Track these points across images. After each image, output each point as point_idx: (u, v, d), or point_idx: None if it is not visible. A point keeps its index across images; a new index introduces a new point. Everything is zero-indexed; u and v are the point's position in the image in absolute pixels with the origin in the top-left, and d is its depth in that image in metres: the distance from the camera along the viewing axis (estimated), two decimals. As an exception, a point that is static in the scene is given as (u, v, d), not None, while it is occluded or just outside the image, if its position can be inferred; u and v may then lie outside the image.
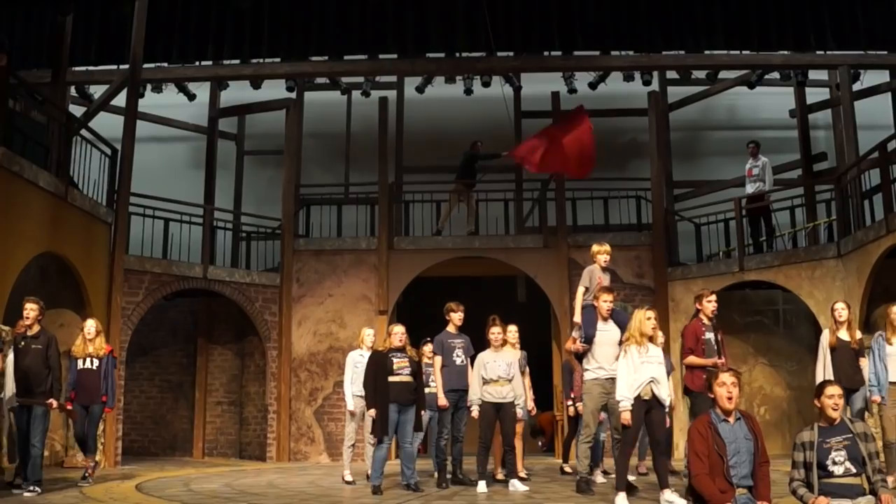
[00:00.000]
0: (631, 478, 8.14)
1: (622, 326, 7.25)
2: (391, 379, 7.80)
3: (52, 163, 10.34)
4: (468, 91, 15.25)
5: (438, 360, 8.51)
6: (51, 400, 7.76)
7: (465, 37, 12.92)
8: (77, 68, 13.19)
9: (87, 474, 8.57)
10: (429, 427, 8.94)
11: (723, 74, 15.06)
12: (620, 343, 7.06)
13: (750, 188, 13.11)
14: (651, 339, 6.87)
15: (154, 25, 12.44)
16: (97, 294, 11.03)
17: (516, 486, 8.02)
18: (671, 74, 15.29)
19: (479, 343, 8.48)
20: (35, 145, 10.06)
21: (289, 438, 12.99)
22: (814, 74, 14.49)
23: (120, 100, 12.33)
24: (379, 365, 7.89)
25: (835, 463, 4.95)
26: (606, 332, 7.47)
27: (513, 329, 9.02)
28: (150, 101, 14.56)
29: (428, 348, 8.80)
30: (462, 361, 8.49)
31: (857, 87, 13.92)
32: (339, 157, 15.51)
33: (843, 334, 8.19)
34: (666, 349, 8.96)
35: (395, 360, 7.88)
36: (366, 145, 14.69)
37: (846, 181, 11.69)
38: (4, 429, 8.28)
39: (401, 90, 15.36)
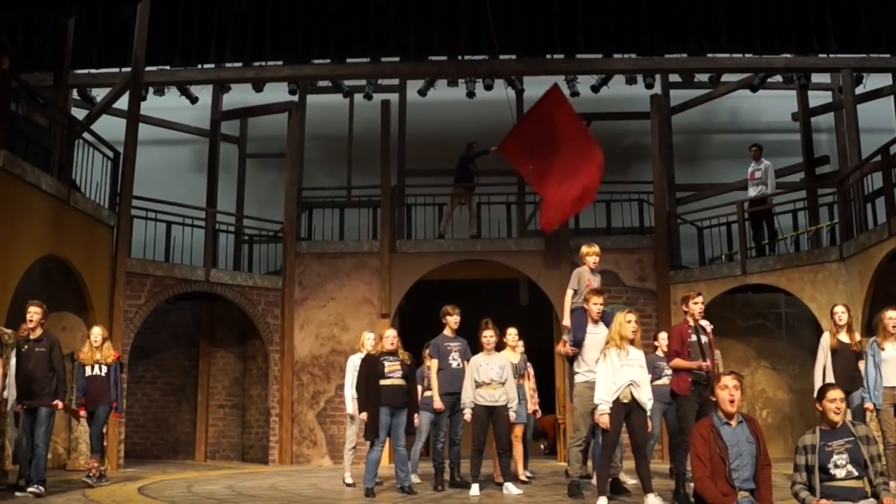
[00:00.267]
0: (632, 481, 8.14)
1: None
2: (383, 382, 7.82)
3: (55, 166, 10.35)
4: (471, 94, 15.28)
5: (435, 363, 8.50)
6: (56, 401, 7.78)
7: (468, 40, 12.89)
8: (79, 71, 13.17)
9: (90, 473, 8.62)
10: (430, 430, 8.94)
11: (725, 77, 15.04)
12: None
13: (752, 191, 13.12)
14: (632, 342, 6.82)
15: (156, 28, 12.44)
16: (99, 297, 11.03)
17: (510, 489, 7.98)
18: (674, 77, 15.26)
19: (478, 346, 8.42)
20: (37, 148, 10.06)
21: (291, 441, 12.99)
22: (816, 78, 14.47)
23: (122, 103, 12.33)
24: (371, 368, 7.92)
25: (837, 466, 4.94)
26: (596, 335, 7.40)
27: (512, 332, 8.97)
28: (152, 104, 14.61)
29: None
30: (458, 365, 8.46)
31: (859, 90, 13.94)
32: (341, 160, 15.51)
33: (844, 337, 8.19)
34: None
35: (386, 363, 7.89)
36: (368, 148, 14.67)
37: (848, 184, 11.68)
38: (8, 432, 8.31)
39: (403, 93, 15.36)
